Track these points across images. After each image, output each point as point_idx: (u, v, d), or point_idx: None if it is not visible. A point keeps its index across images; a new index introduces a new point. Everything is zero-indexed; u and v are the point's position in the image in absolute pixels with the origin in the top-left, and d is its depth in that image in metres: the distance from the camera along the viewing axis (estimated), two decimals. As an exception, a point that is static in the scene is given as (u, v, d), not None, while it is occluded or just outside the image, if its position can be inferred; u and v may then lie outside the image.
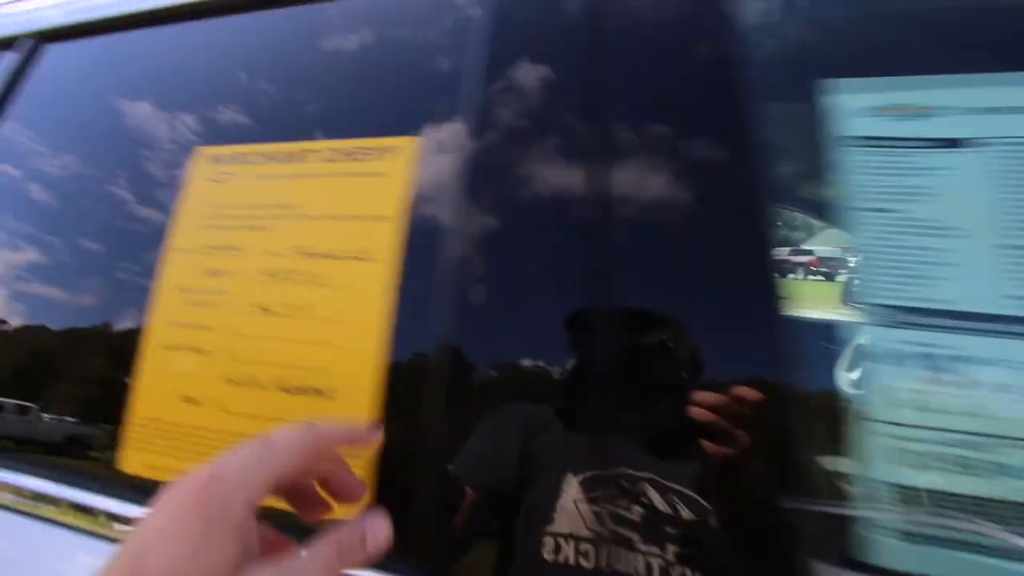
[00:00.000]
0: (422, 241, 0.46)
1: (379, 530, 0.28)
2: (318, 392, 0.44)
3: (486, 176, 0.44)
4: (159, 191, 0.61)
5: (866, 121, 0.39)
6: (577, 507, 0.35)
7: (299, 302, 0.46)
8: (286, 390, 0.45)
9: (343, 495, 0.31)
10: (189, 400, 0.48)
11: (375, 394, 0.42)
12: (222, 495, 0.24)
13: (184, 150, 0.60)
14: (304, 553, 0.26)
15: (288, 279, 0.47)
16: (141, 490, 0.48)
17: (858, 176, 0.38)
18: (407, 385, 0.43)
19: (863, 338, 0.36)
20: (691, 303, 0.38)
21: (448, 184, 0.46)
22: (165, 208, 0.58)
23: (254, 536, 0.25)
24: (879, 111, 0.39)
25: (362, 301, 0.44)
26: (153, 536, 0.23)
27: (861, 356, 0.35)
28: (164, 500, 0.25)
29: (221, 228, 0.52)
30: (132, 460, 0.49)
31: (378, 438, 0.32)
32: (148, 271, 0.55)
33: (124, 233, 0.63)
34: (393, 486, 0.41)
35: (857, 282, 0.37)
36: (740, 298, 0.37)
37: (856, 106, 0.40)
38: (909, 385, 0.33)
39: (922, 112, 0.39)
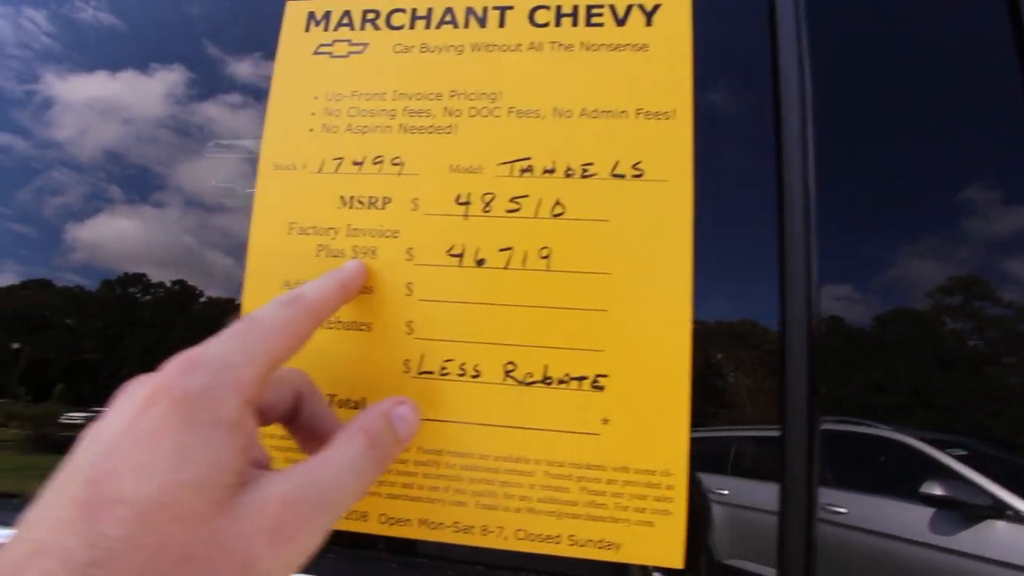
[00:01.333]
0: (729, 152, 0.30)
1: (409, 414, 0.24)
2: (581, 383, 0.28)
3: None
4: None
5: None
6: None
7: (531, 245, 0.29)
8: (523, 382, 0.29)
9: (314, 433, 0.25)
10: (343, 402, 0.30)
11: (682, 387, 0.28)
12: (205, 385, 0.18)
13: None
14: (326, 453, 0.20)
15: (504, 210, 0.30)
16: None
17: None
18: (735, 376, 0.29)
19: None
20: None
21: (757, 62, 0.30)
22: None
23: (255, 438, 0.19)
24: None
25: (646, 242, 0.29)
26: (114, 442, 0.17)
27: None
28: (127, 400, 0.18)
29: (360, 131, 0.32)
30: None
31: (360, 270, 0.28)
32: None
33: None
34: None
35: None
36: None
37: None
38: None
39: None
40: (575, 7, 0.32)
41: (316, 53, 0.34)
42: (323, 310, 0.25)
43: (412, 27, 0.33)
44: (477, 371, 0.29)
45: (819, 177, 0.29)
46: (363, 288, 0.30)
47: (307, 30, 0.34)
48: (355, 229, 0.31)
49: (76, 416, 0.44)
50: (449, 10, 0.33)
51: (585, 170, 0.30)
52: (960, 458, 0.27)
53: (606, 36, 0.31)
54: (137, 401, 0.18)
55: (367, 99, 0.32)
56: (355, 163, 0.32)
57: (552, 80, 0.31)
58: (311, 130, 0.33)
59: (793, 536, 0.27)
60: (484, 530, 0.28)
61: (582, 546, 0.27)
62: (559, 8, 0.32)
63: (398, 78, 0.32)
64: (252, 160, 0.39)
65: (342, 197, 0.31)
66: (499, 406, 0.29)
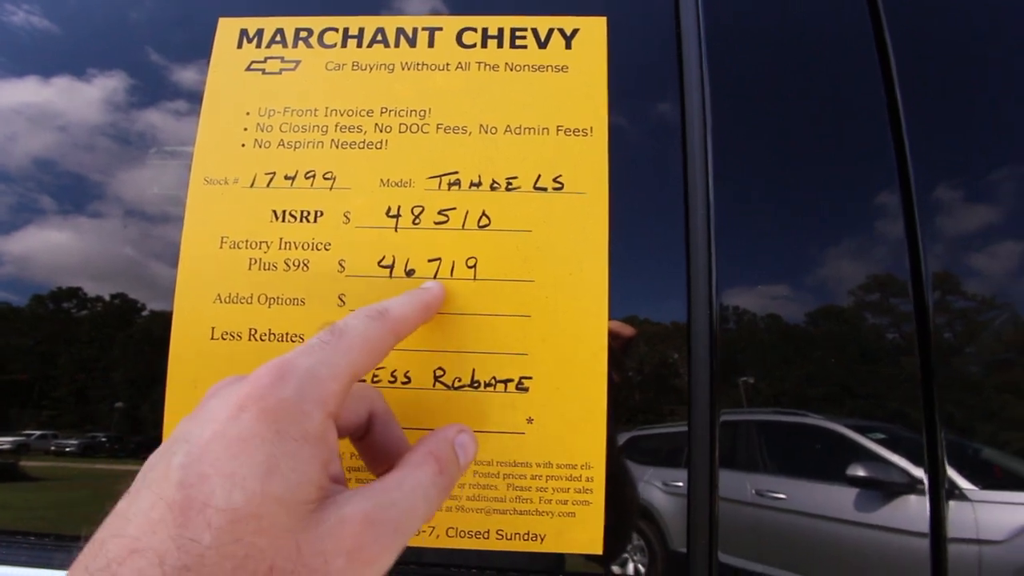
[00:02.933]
0: (641, 167, 0.33)
1: (468, 442, 0.24)
2: (507, 386, 0.30)
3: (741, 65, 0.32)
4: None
5: None
6: None
7: (459, 255, 0.31)
8: (452, 386, 0.30)
9: (382, 452, 0.25)
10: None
11: (600, 385, 0.30)
12: (295, 398, 0.19)
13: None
14: (399, 475, 0.21)
15: (432, 222, 0.31)
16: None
17: None
18: (651, 375, 0.31)
19: None
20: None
21: (665, 84, 0.33)
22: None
23: (336, 453, 0.20)
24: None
25: (566, 250, 0.31)
26: (204, 445, 0.17)
27: None
28: (219, 403, 0.19)
29: (292, 146, 0.33)
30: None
31: (441, 292, 0.29)
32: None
33: None
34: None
35: None
36: None
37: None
38: None
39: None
40: (500, 30, 0.34)
41: (248, 69, 0.34)
42: (404, 329, 0.25)
43: (344, 46, 0.34)
44: (408, 377, 0.30)
45: (746, 188, 0.31)
46: (295, 300, 0.31)
47: (239, 46, 0.35)
48: (287, 242, 0.32)
49: (3, 440, 0.42)
50: (380, 30, 0.34)
51: (509, 183, 0.32)
52: (880, 442, 0.30)
53: (529, 58, 0.33)
54: (228, 405, 0.18)
55: (299, 115, 0.33)
56: (287, 177, 0.32)
57: (479, 98, 0.33)
58: (243, 145, 0.33)
59: (698, 513, 0.29)
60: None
61: (509, 539, 0.29)
62: (485, 30, 0.34)
63: (330, 95, 0.33)
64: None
65: (274, 211, 0.32)
66: (429, 410, 0.30)
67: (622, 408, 0.30)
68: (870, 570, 0.29)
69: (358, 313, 0.23)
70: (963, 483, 0.29)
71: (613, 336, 0.30)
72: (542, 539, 0.29)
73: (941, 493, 0.28)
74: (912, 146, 0.31)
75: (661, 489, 0.31)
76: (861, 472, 0.30)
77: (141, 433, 0.37)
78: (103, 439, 0.39)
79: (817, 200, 0.32)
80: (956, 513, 0.28)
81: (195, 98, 0.35)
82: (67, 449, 0.41)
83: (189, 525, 0.16)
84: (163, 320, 0.37)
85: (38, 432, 0.41)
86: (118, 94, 0.39)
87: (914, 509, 0.29)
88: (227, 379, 0.21)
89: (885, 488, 0.29)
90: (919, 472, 0.29)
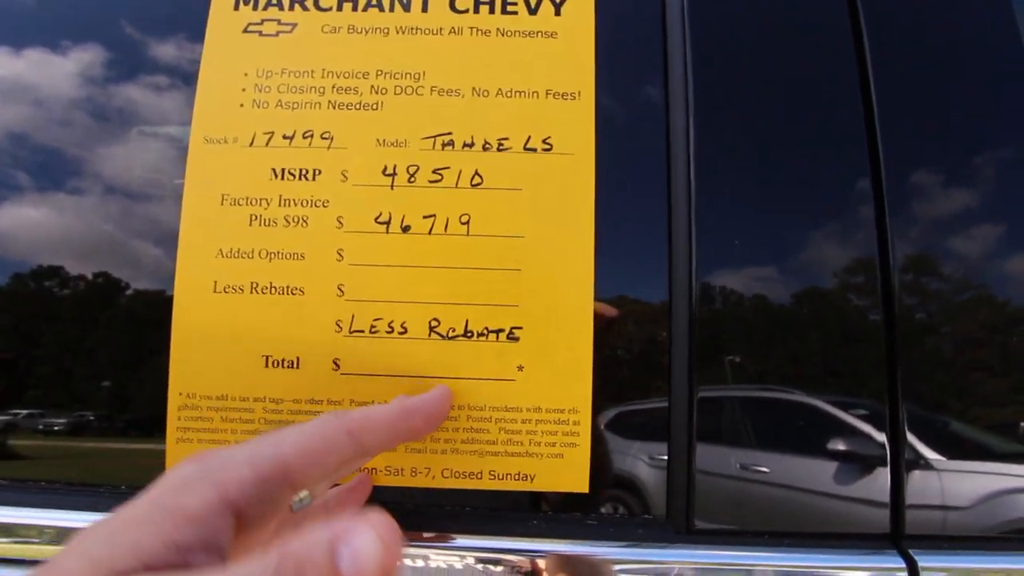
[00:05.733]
0: (628, 130, 0.34)
1: (364, 550, 0.15)
2: (498, 335, 0.32)
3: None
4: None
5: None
6: None
7: (453, 212, 0.32)
8: (446, 336, 0.31)
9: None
10: (277, 362, 0.32)
11: (586, 335, 0.31)
12: (191, 475, 0.18)
13: None
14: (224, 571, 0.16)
15: (427, 180, 0.33)
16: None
17: None
18: (633, 328, 0.33)
19: None
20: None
21: (651, 48, 0.34)
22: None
23: (218, 536, 0.18)
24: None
25: (555, 208, 0.32)
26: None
27: None
28: None
29: (290, 107, 0.34)
30: (178, 458, 0.32)
31: (429, 403, 0.29)
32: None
33: None
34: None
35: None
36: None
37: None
38: None
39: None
40: (495, -5, 0.35)
41: (245, 31, 0.35)
42: (364, 429, 0.23)
43: (339, 9, 0.35)
44: (404, 328, 0.32)
45: (736, 170, 0.33)
46: (295, 255, 0.32)
47: (236, 8, 0.35)
48: (287, 199, 0.33)
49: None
50: (372, -6, 0.35)
51: (501, 144, 0.33)
52: (860, 416, 0.32)
53: (519, 24, 0.34)
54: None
55: (297, 76, 0.34)
56: (285, 137, 0.33)
57: (471, 62, 0.34)
58: (242, 105, 0.34)
59: (677, 480, 0.31)
60: (413, 472, 0.31)
61: (501, 479, 0.31)
62: (481, -5, 0.35)
63: (327, 57, 0.34)
64: (179, 147, 0.39)
65: (273, 169, 0.33)
66: (425, 359, 0.31)
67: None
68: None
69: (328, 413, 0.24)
70: (929, 453, 0.31)
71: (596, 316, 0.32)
72: (532, 479, 0.31)
73: (901, 463, 0.30)
74: (883, 132, 0.33)
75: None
76: (841, 446, 0.31)
77: (128, 412, 0.38)
78: (91, 418, 0.39)
79: (826, 183, 0.33)
80: (922, 482, 0.30)
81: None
82: (55, 428, 0.41)
83: None
84: (146, 299, 0.37)
85: (25, 411, 0.41)
86: (95, 68, 0.39)
87: (884, 481, 0.30)
88: None
89: (862, 460, 0.30)
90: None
